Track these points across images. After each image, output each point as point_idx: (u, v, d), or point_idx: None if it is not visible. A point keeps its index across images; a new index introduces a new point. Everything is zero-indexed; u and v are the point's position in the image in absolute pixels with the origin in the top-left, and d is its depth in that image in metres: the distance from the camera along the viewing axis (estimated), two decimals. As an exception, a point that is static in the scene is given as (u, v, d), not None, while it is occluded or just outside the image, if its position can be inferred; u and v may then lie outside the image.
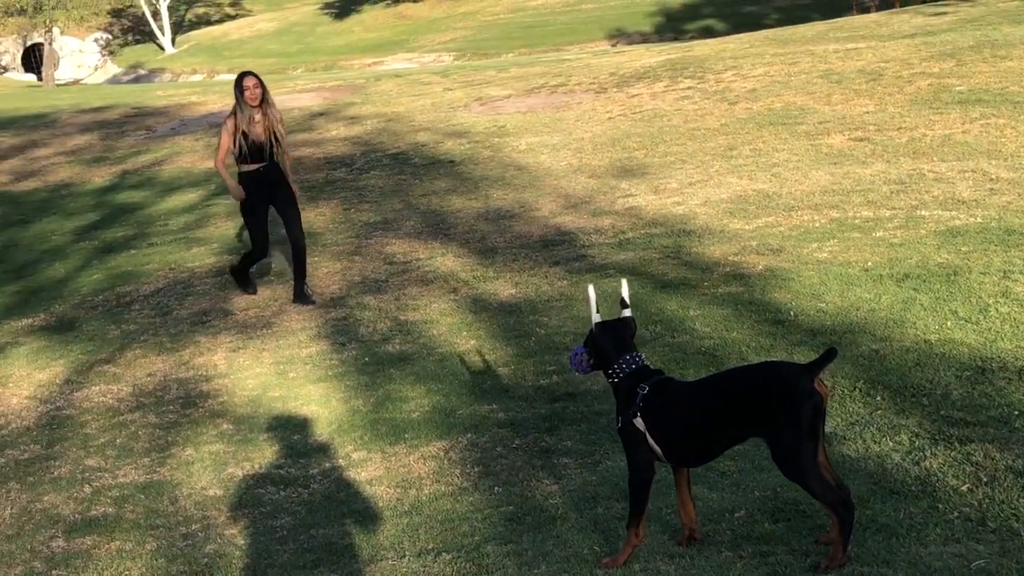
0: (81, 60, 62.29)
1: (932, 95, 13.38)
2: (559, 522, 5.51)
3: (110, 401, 8.29)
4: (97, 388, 8.57)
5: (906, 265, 8.15)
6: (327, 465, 6.72)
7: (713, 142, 13.11)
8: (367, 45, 49.84)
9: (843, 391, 6.40)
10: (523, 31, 45.46)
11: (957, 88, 13.47)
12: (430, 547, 5.46)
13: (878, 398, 6.27)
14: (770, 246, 9.15)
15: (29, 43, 61.06)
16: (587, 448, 6.35)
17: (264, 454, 7.02)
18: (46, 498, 6.81)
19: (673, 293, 8.46)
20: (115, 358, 9.15)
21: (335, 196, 13.42)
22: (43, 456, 7.47)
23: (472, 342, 8.27)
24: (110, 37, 63.33)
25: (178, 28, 62.08)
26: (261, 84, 9.66)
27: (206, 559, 5.79)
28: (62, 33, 59.40)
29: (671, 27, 41.39)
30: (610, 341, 4.83)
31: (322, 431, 7.22)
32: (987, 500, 4.99)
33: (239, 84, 9.62)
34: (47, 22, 54.56)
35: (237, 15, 65.35)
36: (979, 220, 8.93)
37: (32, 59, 61.45)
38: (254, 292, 10.22)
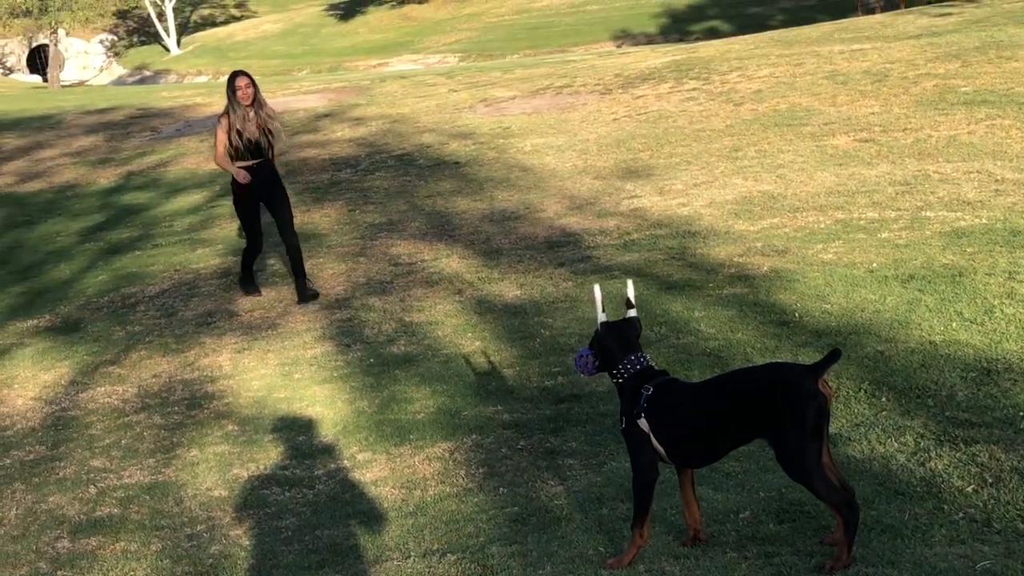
0: (86, 61, 62.36)
1: (937, 96, 13.37)
2: (564, 523, 5.51)
3: (115, 402, 8.30)
4: (102, 389, 8.58)
5: (911, 266, 8.15)
6: (332, 466, 6.73)
7: (718, 143, 13.10)
8: (372, 46, 49.86)
9: (848, 392, 6.39)
10: (528, 32, 45.46)
11: (962, 89, 13.46)
12: (435, 548, 5.46)
13: (883, 399, 6.26)
14: (775, 247, 9.14)
15: (34, 44, 61.14)
16: (592, 449, 6.35)
17: (269, 455, 7.02)
18: (51, 499, 6.82)
19: (678, 294, 8.46)
20: (120, 359, 9.16)
21: (340, 197, 13.43)
22: (48, 457, 7.48)
23: (477, 343, 8.27)
24: (115, 38, 63.39)
25: (183, 29, 62.14)
26: (253, 83, 9.82)
27: (211, 560, 5.80)
28: (67, 34, 59.46)
29: (676, 28, 41.36)
30: (615, 341, 4.83)
31: (327, 432, 7.23)
32: (992, 501, 4.98)
33: (231, 84, 9.79)
34: (52, 23, 54.59)
35: (242, 16, 65.41)
36: (984, 221, 8.92)
37: (37, 60, 61.54)
38: (258, 294, 10.24)
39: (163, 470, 7.03)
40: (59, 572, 5.90)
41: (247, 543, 5.95)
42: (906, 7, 26.97)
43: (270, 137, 9.86)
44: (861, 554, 4.57)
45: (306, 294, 9.92)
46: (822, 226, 9.50)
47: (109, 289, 11.18)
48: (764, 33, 25.10)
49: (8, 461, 7.51)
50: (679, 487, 4.91)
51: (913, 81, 14.31)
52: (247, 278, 10.32)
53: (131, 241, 12.95)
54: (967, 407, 5.99)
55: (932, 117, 12.48)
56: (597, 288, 4.92)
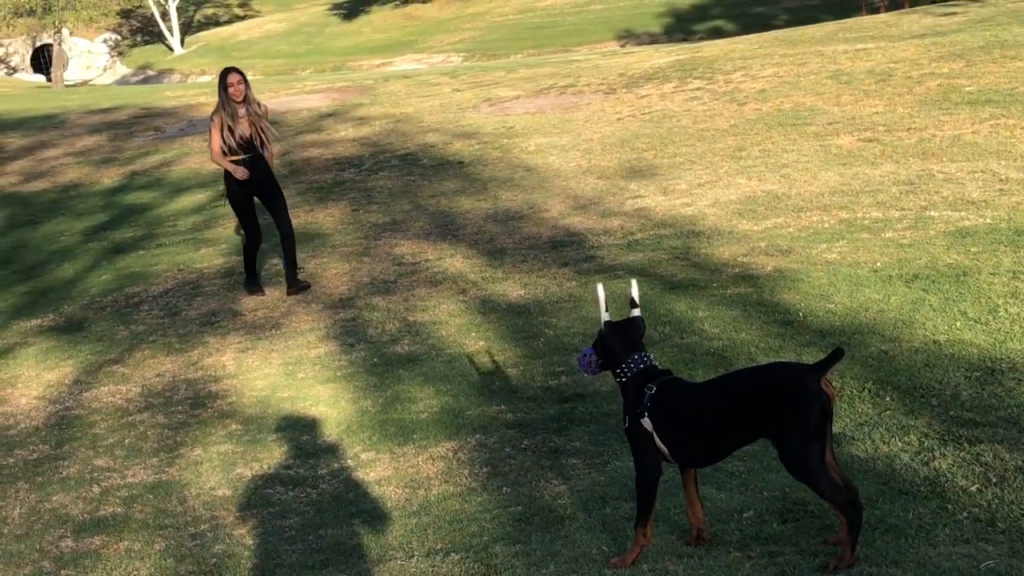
0: (90, 61, 62.39)
1: (941, 96, 13.36)
2: (568, 522, 5.51)
3: (119, 401, 8.31)
4: (106, 388, 8.59)
5: (915, 266, 8.14)
6: (336, 465, 6.73)
7: (722, 143, 13.10)
8: (376, 46, 49.87)
9: (852, 392, 6.39)
10: (532, 32, 45.45)
11: (967, 89, 13.44)
12: (439, 547, 5.46)
13: (887, 399, 6.26)
14: (779, 247, 9.14)
15: (38, 44, 61.16)
16: (596, 449, 6.35)
17: (273, 454, 7.03)
18: (55, 498, 6.82)
19: (682, 294, 8.45)
20: (124, 358, 9.17)
21: (344, 197, 13.43)
22: (52, 456, 7.49)
23: (481, 343, 8.28)
24: (119, 38, 63.43)
25: (187, 29, 62.17)
26: (244, 80, 9.92)
27: (215, 559, 5.80)
28: (71, 34, 59.49)
29: (680, 28, 41.34)
30: (619, 341, 4.83)
31: (331, 432, 7.23)
32: (996, 501, 4.98)
33: (223, 80, 9.88)
34: (56, 23, 54.65)
35: (246, 16, 65.42)
36: (989, 221, 8.91)
37: (41, 60, 61.58)
38: (262, 293, 10.25)
39: (167, 469, 7.04)
40: (63, 571, 5.91)
41: (251, 542, 5.96)
42: (910, 6, 26.96)
43: (262, 133, 9.95)
44: (865, 553, 4.57)
45: (296, 285, 10.05)
46: (826, 226, 9.49)
47: (113, 289, 11.20)
48: (768, 33, 25.08)
49: (12, 460, 7.52)
50: (682, 486, 4.91)
51: (917, 81, 14.29)
52: (251, 277, 10.34)
53: (135, 241, 12.97)
54: (971, 406, 5.98)
55: (936, 117, 12.47)
56: (600, 288, 4.93)
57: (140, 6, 61.90)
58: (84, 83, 55.85)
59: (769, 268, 8.67)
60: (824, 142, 12.29)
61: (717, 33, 36.74)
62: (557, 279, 9.36)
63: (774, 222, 9.86)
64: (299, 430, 7.30)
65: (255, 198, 10.21)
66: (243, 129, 9.84)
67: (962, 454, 5.45)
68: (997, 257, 8.05)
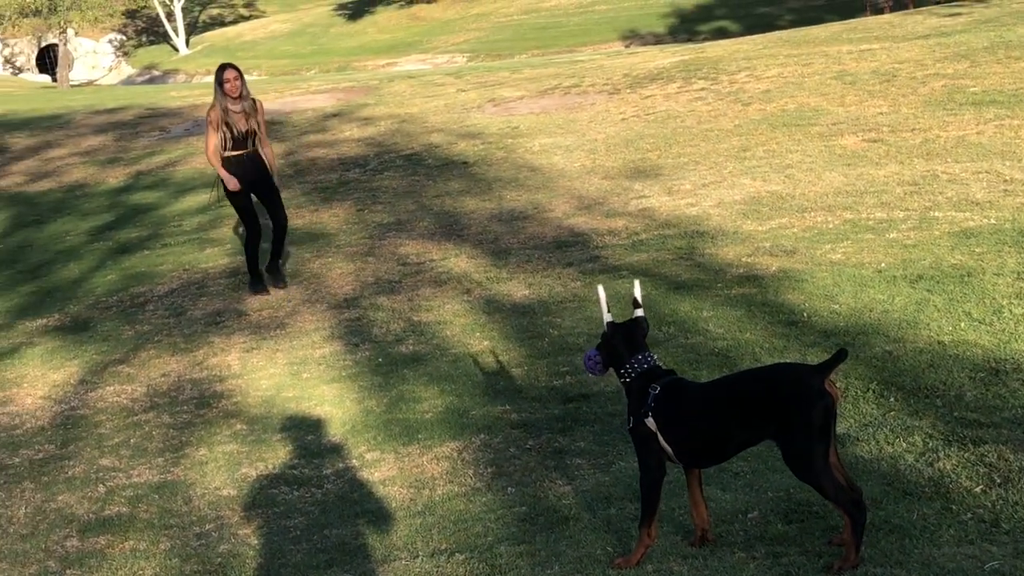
0: (95, 61, 62.50)
1: (946, 96, 13.35)
2: (572, 522, 5.51)
3: (124, 401, 8.32)
4: (111, 388, 8.60)
5: (920, 266, 8.14)
6: (340, 465, 6.74)
7: (726, 143, 13.10)
8: (380, 46, 49.90)
9: (856, 392, 6.39)
10: (536, 32, 45.47)
11: (971, 89, 13.44)
12: (443, 547, 5.47)
13: (891, 399, 6.26)
14: (783, 247, 9.14)
15: (44, 44, 61.27)
16: (600, 449, 6.36)
17: (278, 454, 7.04)
18: (60, 498, 6.84)
19: (686, 294, 8.46)
20: (129, 358, 9.18)
21: (348, 197, 13.45)
22: (57, 456, 7.50)
23: (485, 343, 8.28)
24: (124, 38, 63.53)
25: (192, 29, 62.25)
26: (240, 76, 9.96)
27: (220, 559, 5.81)
28: (76, 34, 59.61)
29: (684, 28, 41.35)
30: (622, 341, 4.84)
31: (335, 431, 7.24)
32: (1001, 501, 4.98)
33: (219, 76, 9.92)
34: (62, 23, 54.74)
35: (251, 16, 65.51)
36: (993, 221, 8.91)
37: (47, 60, 61.67)
38: (267, 293, 10.27)
39: (172, 469, 7.05)
40: (68, 571, 5.92)
41: (256, 542, 5.97)
42: (915, 7, 26.94)
43: (257, 129, 10.01)
44: (869, 554, 4.57)
45: (276, 272, 10.23)
46: (830, 226, 9.49)
47: (118, 288, 11.21)
48: (772, 33, 25.08)
49: (17, 460, 7.53)
50: (687, 487, 4.92)
51: (922, 81, 14.29)
52: (255, 277, 10.34)
53: (140, 240, 12.99)
54: (976, 407, 5.98)
55: (941, 117, 12.47)
56: (601, 289, 4.94)
57: (145, 6, 62.01)
58: (89, 83, 55.92)
59: (773, 268, 8.67)
60: (828, 142, 12.29)
61: (721, 33, 36.74)
62: (561, 279, 9.37)
63: (778, 222, 9.86)
64: (304, 430, 7.31)
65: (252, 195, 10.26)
66: (239, 125, 9.88)
67: (966, 455, 5.45)
68: (1001, 258, 8.05)
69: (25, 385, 8.95)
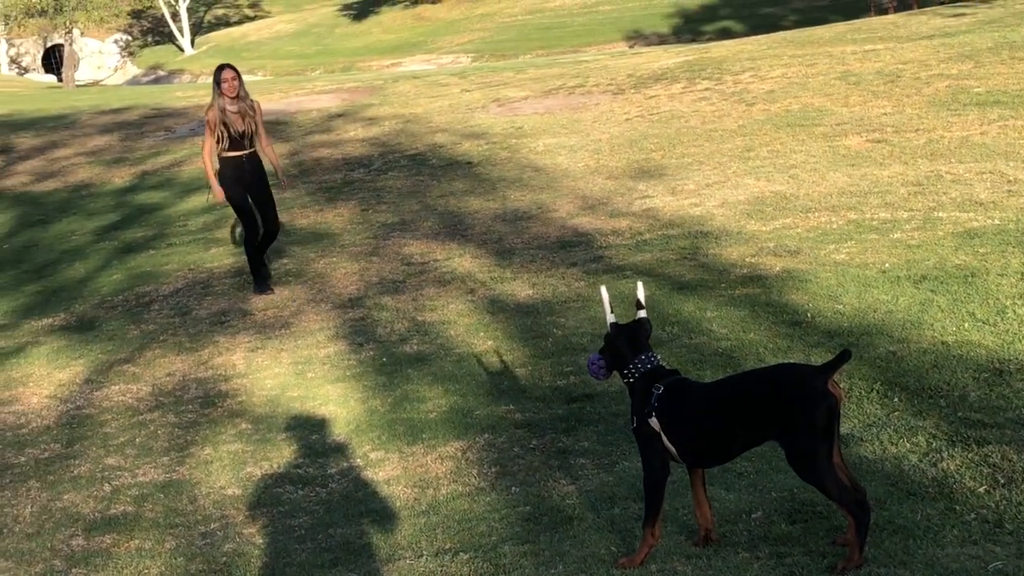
0: (101, 61, 62.53)
1: (950, 96, 13.35)
2: (576, 522, 5.52)
3: (130, 400, 8.34)
4: (117, 387, 8.62)
5: (924, 267, 8.14)
6: (345, 465, 6.75)
7: (730, 143, 13.10)
8: (385, 46, 49.91)
9: (860, 393, 6.40)
10: (541, 32, 45.45)
11: (975, 90, 13.43)
12: (447, 547, 5.48)
13: (895, 400, 6.27)
14: (787, 247, 9.14)
15: (49, 44, 61.32)
16: (604, 449, 6.37)
17: (282, 453, 7.05)
18: (66, 497, 6.85)
19: (690, 294, 8.46)
20: (135, 358, 9.20)
21: (353, 197, 13.46)
22: (63, 455, 7.52)
23: (489, 343, 8.29)
24: (130, 38, 63.56)
25: (197, 29, 62.27)
26: (238, 76, 10.02)
27: (225, 558, 5.83)
28: (82, 34, 59.62)
29: (688, 28, 41.32)
30: (625, 342, 4.85)
31: (340, 431, 7.25)
32: (1004, 502, 4.99)
33: (217, 76, 9.99)
34: (67, 23, 54.73)
35: (256, 16, 65.51)
36: (997, 222, 8.91)
37: (52, 60, 61.72)
38: (271, 293, 10.28)
39: (177, 468, 7.07)
40: (74, 570, 5.94)
41: (260, 541, 5.98)
42: (919, 8, 26.92)
43: (256, 130, 10.05)
44: (873, 554, 4.58)
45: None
46: (834, 226, 9.50)
47: (124, 288, 11.24)
48: (777, 33, 25.07)
49: (23, 459, 7.55)
50: (691, 487, 4.92)
51: (926, 82, 14.29)
52: (258, 277, 10.36)
53: (145, 240, 13.01)
54: (979, 408, 5.99)
55: (944, 118, 12.47)
56: (604, 290, 4.95)
57: (151, 7, 62.02)
58: (95, 83, 55.98)
59: (777, 269, 8.67)
60: (832, 143, 12.30)
61: (726, 34, 36.72)
62: (565, 279, 9.38)
63: (782, 223, 9.87)
64: (308, 429, 7.33)
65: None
66: (236, 125, 9.92)
67: (970, 455, 5.46)
68: (1005, 258, 8.05)
69: (31, 384, 8.97)
